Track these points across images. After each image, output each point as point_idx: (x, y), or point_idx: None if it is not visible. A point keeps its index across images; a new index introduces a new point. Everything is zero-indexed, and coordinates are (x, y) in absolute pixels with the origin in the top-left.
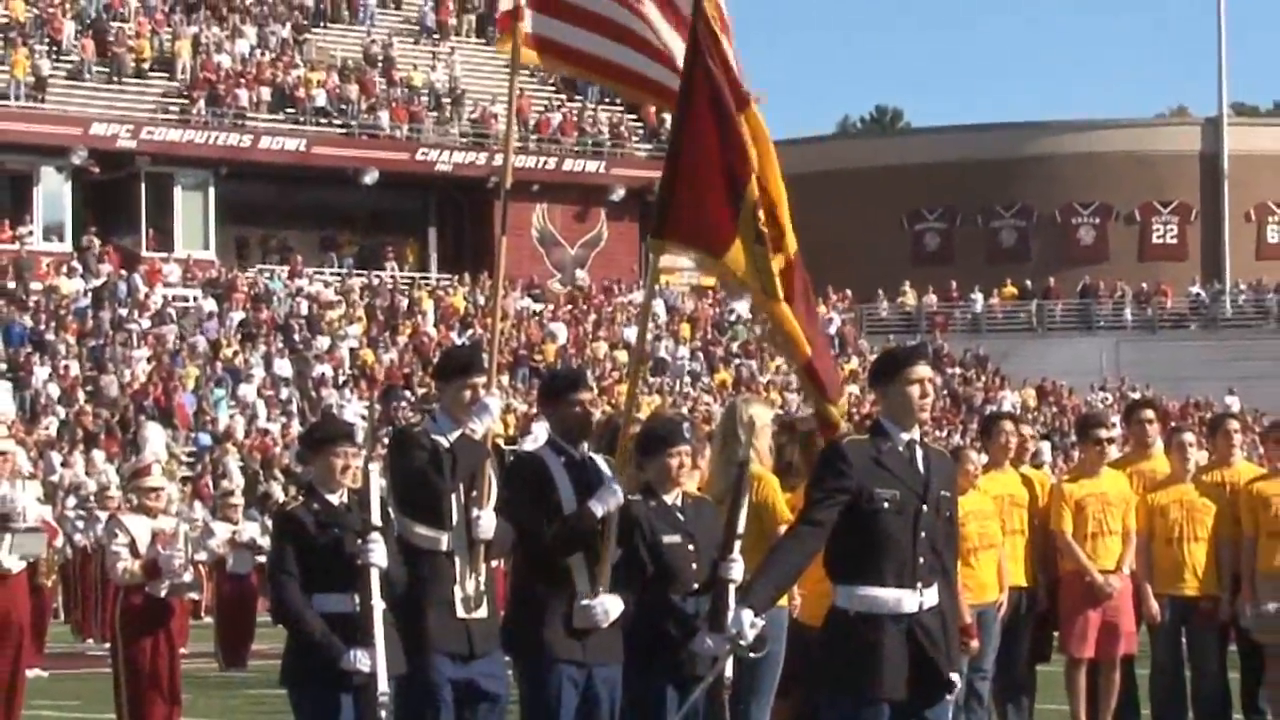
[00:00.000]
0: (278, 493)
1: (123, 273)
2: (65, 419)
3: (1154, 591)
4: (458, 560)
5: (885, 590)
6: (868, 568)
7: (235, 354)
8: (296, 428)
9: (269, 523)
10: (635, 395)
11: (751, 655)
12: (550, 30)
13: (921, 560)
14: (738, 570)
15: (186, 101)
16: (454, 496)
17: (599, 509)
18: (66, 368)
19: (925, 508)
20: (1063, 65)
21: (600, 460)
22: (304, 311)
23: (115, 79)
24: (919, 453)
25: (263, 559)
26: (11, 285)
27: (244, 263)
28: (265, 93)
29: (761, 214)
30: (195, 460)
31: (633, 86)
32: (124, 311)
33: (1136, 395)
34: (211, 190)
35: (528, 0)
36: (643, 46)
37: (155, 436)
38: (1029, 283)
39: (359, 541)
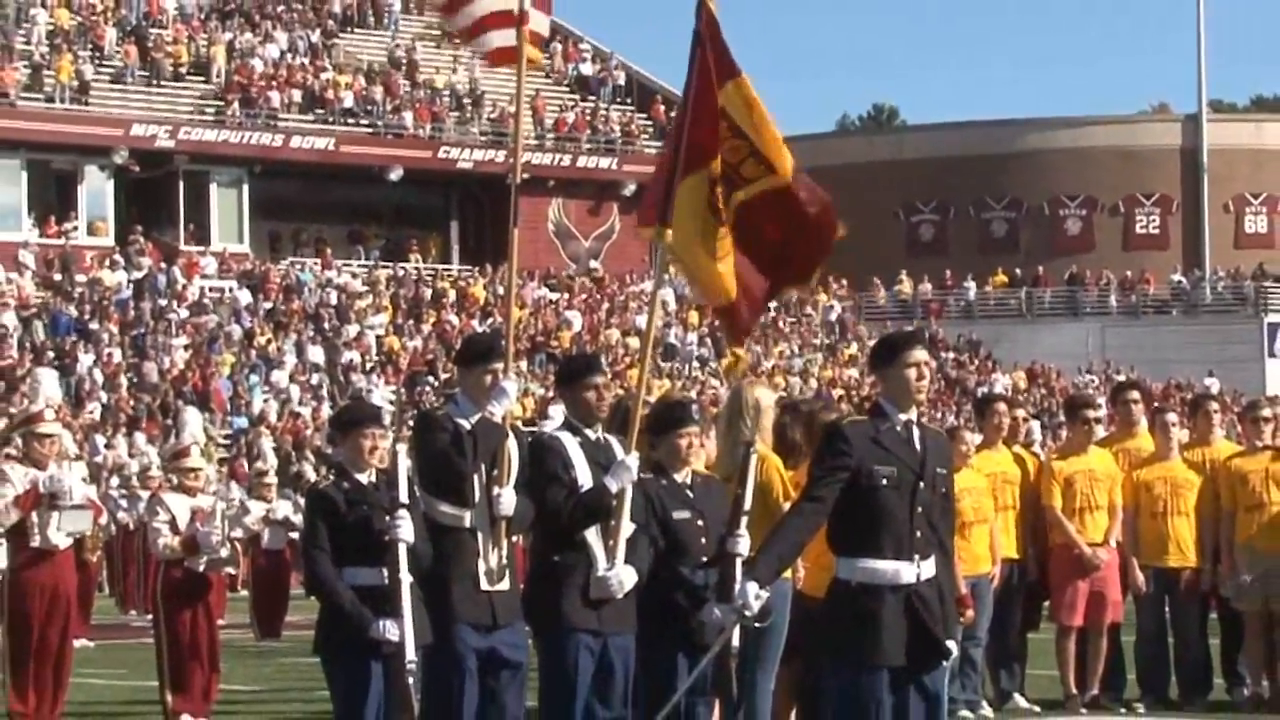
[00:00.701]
0: (309, 473)
1: (162, 265)
2: (108, 404)
3: (1139, 563)
4: (480, 536)
5: (884, 562)
6: (868, 541)
7: (268, 342)
8: (327, 411)
9: (301, 501)
10: (646, 379)
11: (757, 625)
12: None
13: (918, 534)
14: (744, 544)
15: (221, 103)
16: (476, 476)
17: (614, 486)
18: (110, 355)
19: (922, 484)
20: (1050, 64)
21: (614, 440)
22: (333, 301)
23: (154, 82)
24: (916, 432)
25: (296, 535)
26: (58, 277)
27: (276, 255)
28: (296, 95)
29: (720, 189)
30: (231, 442)
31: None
32: (163, 302)
33: (1121, 378)
34: (245, 187)
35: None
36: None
37: (193, 420)
38: (1019, 271)
39: (387, 518)
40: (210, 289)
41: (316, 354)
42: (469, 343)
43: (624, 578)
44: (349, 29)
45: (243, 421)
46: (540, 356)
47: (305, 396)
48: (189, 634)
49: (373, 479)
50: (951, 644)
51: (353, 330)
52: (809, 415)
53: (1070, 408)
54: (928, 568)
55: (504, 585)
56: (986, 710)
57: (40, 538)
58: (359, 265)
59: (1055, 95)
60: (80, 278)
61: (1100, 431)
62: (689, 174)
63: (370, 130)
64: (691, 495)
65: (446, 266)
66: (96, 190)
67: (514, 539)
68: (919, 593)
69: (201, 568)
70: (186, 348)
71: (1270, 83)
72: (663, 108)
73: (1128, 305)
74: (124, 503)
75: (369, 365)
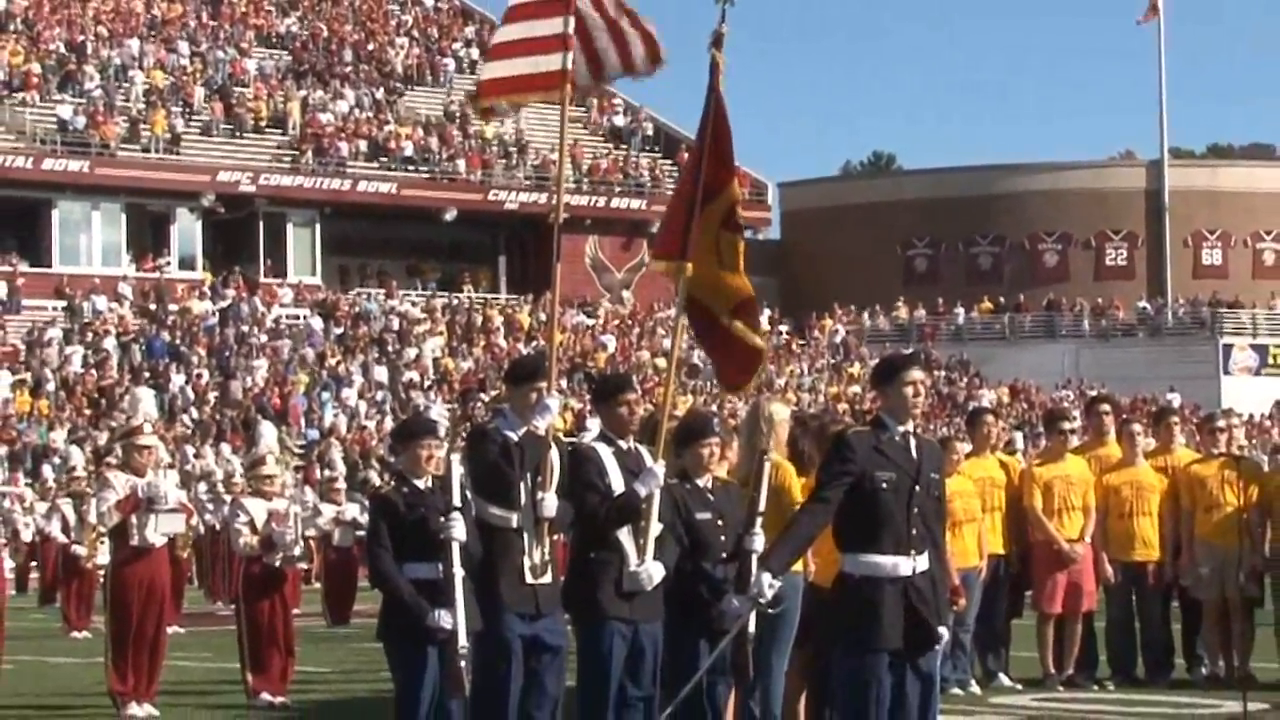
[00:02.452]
0: (374, 479)
1: (244, 296)
2: (198, 418)
3: (1109, 557)
4: (525, 535)
5: (884, 557)
6: (870, 538)
7: (338, 363)
8: (389, 424)
9: (367, 503)
10: (672, 395)
11: (771, 611)
12: (495, 71)
13: (914, 532)
14: (759, 542)
15: (297, 152)
16: (522, 483)
17: (644, 490)
18: (199, 375)
19: (918, 488)
20: (1030, 116)
21: (644, 450)
22: (395, 327)
23: (237, 134)
24: (913, 442)
25: (362, 534)
26: (153, 307)
27: (345, 287)
28: (362, 144)
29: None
30: (305, 452)
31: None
32: (246, 328)
33: (1094, 393)
34: (318, 226)
35: (485, 55)
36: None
37: (269, 433)
38: (1003, 299)
39: (442, 519)
40: (287, 317)
41: (381, 374)
42: (516, 364)
43: (653, 572)
44: (409, 87)
45: (315, 433)
46: (578, 375)
47: (371, 411)
48: (267, 622)
49: (429, 484)
50: (944, 630)
51: (412, 353)
52: (818, 428)
53: (1048, 420)
54: (923, 562)
55: (546, 579)
56: (975, 688)
57: (139, 537)
58: (418, 295)
59: (1034, 143)
60: (172, 307)
61: (1075, 441)
62: (709, 203)
63: (428, 176)
64: (712, 498)
65: (495, 296)
66: (187, 230)
67: (555, 538)
68: (915, 584)
69: (278, 563)
70: (266, 368)
71: (1225, 132)
72: (687, 155)
73: (1099, 329)
74: (210, 506)
75: (427, 384)
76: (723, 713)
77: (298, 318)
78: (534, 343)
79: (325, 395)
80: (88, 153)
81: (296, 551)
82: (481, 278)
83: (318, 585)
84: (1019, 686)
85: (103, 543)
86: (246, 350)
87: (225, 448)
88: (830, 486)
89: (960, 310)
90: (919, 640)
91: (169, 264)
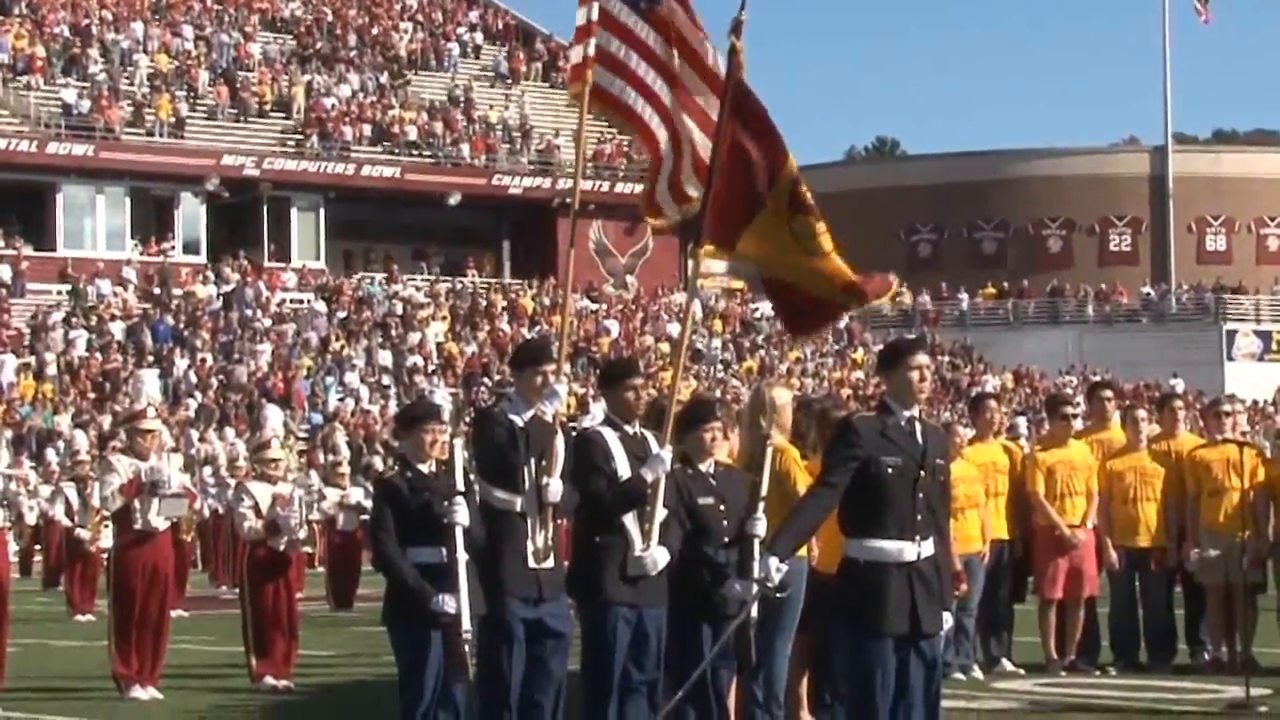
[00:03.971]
0: (378, 463)
1: (248, 280)
2: (202, 402)
3: (1112, 543)
4: (529, 519)
5: (889, 542)
6: (875, 523)
7: (342, 347)
8: (393, 409)
9: (371, 488)
10: (676, 380)
11: (777, 595)
12: (607, 84)
13: (919, 517)
14: (761, 527)
15: (301, 137)
16: (526, 467)
17: (649, 475)
18: (203, 359)
19: (923, 473)
20: (1034, 102)
21: (649, 435)
22: (399, 311)
23: (242, 118)
24: (918, 427)
25: (365, 518)
26: (157, 291)
27: (349, 271)
28: (366, 129)
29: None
30: (309, 436)
31: (647, 140)
32: (250, 312)
33: (1097, 378)
34: (322, 211)
35: (595, 55)
36: (666, 116)
37: (274, 417)
38: (1006, 284)
39: (445, 503)
40: (291, 301)
41: (384, 358)
42: (523, 348)
43: (658, 557)
44: (414, 71)
45: (319, 418)
46: (582, 360)
47: (374, 396)
48: (271, 605)
49: (433, 469)
50: (947, 614)
51: (416, 337)
52: (821, 412)
53: (1051, 405)
54: (927, 547)
55: (549, 564)
56: (977, 673)
57: (142, 521)
58: (422, 280)
59: (1038, 129)
60: (177, 291)
61: (1078, 426)
62: (771, 187)
63: (432, 160)
64: (714, 483)
65: (499, 280)
66: (191, 214)
67: (559, 522)
68: (919, 569)
69: (282, 547)
70: (270, 353)
71: (1228, 118)
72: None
73: (1102, 314)
74: (214, 490)
75: (430, 368)
76: (725, 697)
77: (301, 302)
78: (537, 327)
79: (329, 380)
80: (92, 136)
81: (300, 535)
82: (485, 262)
83: (321, 569)
84: (1021, 671)
85: (106, 526)
86: (250, 334)
87: (229, 432)
88: (836, 471)
89: (964, 296)
90: (923, 625)
91: (173, 248)
